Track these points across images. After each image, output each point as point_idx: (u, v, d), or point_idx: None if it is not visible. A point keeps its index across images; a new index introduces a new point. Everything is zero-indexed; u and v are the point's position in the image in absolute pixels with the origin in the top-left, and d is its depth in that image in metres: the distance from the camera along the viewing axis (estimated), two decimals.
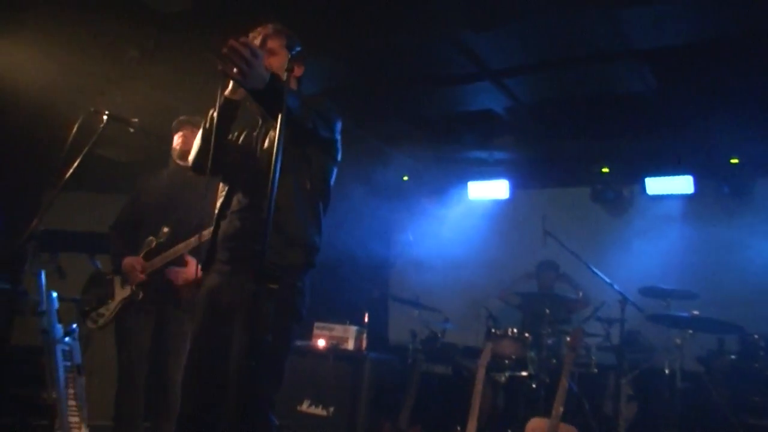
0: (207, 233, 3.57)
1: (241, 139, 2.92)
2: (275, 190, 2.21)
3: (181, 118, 4.06)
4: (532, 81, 5.65)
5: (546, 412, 4.71)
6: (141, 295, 3.79)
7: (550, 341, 5.60)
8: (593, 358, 5.65)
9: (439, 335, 6.33)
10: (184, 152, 3.89)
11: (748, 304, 5.80)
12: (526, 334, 5.61)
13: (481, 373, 5.02)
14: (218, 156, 2.67)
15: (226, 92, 2.69)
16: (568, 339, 5.02)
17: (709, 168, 6.61)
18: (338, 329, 5.98)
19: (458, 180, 7.94)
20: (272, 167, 2.22)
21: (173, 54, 5.11)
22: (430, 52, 5.16)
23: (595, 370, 5.60)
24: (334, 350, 5.84)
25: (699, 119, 5.93)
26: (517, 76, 5.51)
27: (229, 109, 2.71)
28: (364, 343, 5.98)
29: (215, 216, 2.85)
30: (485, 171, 7.74)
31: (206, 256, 2.84)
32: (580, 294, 5.88)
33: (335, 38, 4.94)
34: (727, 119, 5.79)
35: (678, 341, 5.15)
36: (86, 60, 5.18)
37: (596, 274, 5.64)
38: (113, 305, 3.87)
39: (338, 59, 5.32)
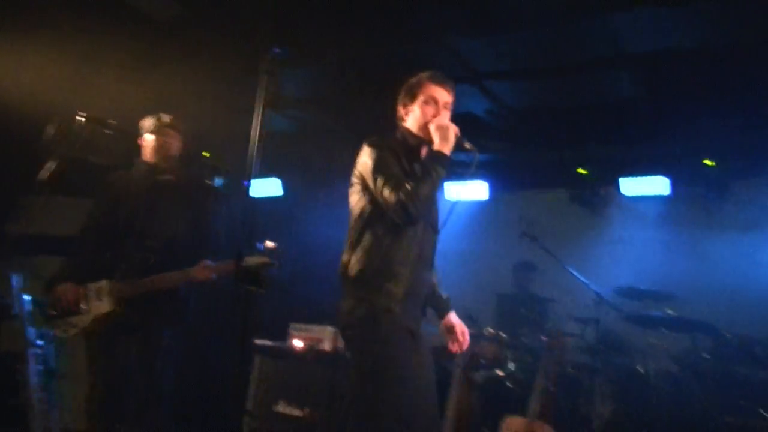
0: (195, 271, 3.55)
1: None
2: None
3: (164, 119, 3.83)
4: (513, 85, 5.68)
5: (523, 412, 4.76)
6: (122, 313, 3.52)
7: (526, 341, 5.64)
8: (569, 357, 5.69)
9: None
10: (166, 157, 3.81)
11: (723, 304, 5.86)
12: (503, 334, 5.64)
13: (457, 373, 5.05)
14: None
15: (446, 149, 3.01)
16: (543, 338, 5.07)
17: (686, 170, 6.65)
18: (315, 330, 5.92)
19: None
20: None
21: (165, 59, 5.06)
22: (420, 55, 5.16)
23: (571, 370, 5.64)
24: (311, 351, 5.81)
25: (676, 122, 6.00)
26: (498, 79, 5.54)
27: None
28: (341, 344, 5.96)
29: (417, 265, 3.07)
30: (464, 173, 7.73)
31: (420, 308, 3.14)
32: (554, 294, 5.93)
33: (321, 44, 4.91)
34: (703, 122, 5.86)
35: (653, 341, 5.21)
36: (74, 64, 5.10)
37: (573, 274, 5.69)
38: (87, 318, 3.53)
39: (327, 63, 5.31)
